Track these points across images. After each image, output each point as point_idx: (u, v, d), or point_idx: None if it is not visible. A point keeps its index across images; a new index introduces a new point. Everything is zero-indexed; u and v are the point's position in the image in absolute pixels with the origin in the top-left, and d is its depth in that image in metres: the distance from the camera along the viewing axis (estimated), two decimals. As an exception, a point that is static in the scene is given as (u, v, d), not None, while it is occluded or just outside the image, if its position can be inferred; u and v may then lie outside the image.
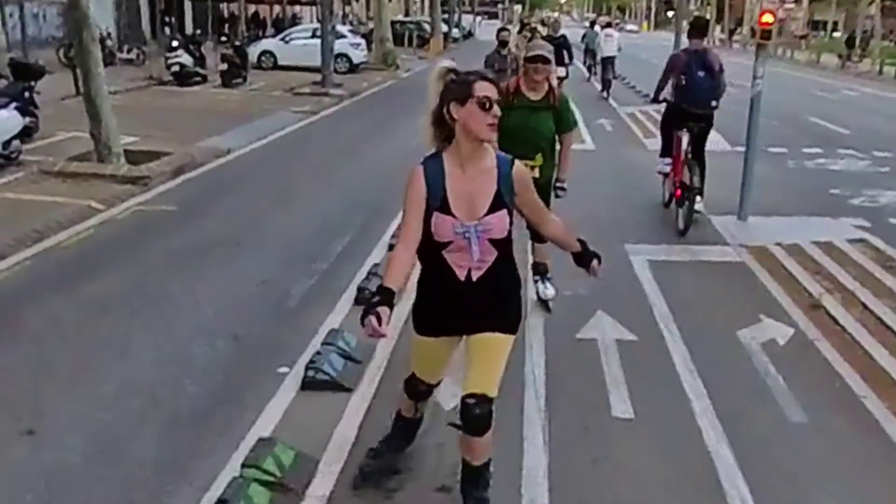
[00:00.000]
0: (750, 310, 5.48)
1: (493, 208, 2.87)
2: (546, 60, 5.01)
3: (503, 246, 2.97)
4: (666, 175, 8.06)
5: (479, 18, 63.22)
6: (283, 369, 4.54)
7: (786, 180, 10.08)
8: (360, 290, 5.56)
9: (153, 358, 4.79)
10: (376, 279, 5.35)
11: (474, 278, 2.94)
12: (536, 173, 5.00)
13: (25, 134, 10.26)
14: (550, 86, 5.15)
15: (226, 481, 3.36)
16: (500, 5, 79.29)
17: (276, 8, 38.56)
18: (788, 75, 29.31)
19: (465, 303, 2.97)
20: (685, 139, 7.52)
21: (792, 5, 46.99)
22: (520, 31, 22.65)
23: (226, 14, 34.82)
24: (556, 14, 66.58)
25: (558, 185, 5.33)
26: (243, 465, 3.45)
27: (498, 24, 55.35)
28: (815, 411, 4.23)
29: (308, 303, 5.61)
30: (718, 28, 59.65)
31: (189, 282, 6.03)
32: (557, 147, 5.32)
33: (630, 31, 68.72)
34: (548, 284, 5.49)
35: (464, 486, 3.21)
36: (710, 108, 7.35)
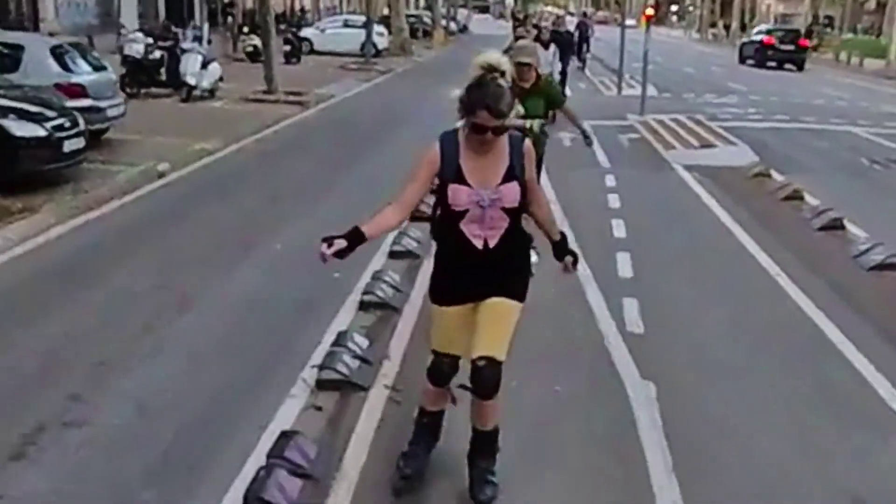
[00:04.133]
0: (625, 133, 15.54)
1: (506, 179, 3.74)
2: (529, 66, 7.22)
3: (515, 215, 3.80)
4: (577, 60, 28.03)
5: (469, 13, 73.44)
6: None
7: (681, 104, 20.43)
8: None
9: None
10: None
11: (491, 245, 3.77)
12: None
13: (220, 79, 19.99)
14: (538, 73, 7.39)
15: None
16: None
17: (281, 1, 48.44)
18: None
19: (483, 270, 3.80)
20: (584, 50, 30.57)
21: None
22: (515, 28, 30.27)
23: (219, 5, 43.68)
24: (548, 8, 76.75)
25: (587, 138, 8.40)
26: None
27: (489, 17, 65.07)
28: (637, 153, 14.29)
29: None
30: (721, 23, 70.31)
31: (367, 144, 15.65)
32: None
33: (627, 27, 78.96)
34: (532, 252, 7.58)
35: (472, 454, 4.00)
36: (588, 39, 32.01)
